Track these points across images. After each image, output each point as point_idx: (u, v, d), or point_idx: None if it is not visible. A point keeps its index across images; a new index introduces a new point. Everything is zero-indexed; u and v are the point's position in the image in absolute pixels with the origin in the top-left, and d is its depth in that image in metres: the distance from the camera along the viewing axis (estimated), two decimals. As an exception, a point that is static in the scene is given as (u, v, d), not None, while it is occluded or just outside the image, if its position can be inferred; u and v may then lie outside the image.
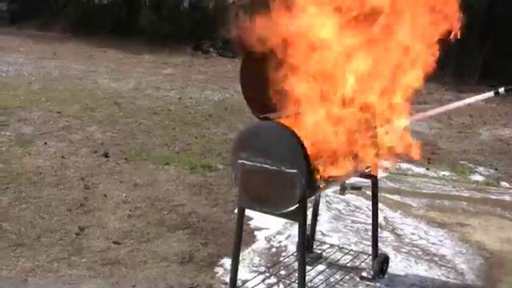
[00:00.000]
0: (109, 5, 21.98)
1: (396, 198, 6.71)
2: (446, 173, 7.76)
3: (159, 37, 19.92)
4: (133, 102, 11.39)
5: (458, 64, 15.68)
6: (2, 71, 14.02)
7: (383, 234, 5.62)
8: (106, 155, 7.74)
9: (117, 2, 21.96)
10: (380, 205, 5.45)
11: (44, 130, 8.87)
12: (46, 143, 8.18)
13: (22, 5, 24.08)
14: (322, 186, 3.91)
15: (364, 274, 4.82)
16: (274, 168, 3.72)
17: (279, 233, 5.65)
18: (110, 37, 20.39)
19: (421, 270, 5.05)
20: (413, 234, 5.77)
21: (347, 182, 4.57)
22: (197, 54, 18.63)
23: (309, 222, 4.81)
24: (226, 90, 12.71)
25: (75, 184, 6.69)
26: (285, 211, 3.84)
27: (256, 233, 5.66)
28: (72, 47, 18.72)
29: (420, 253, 5.36)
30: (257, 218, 5.80)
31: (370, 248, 4.92)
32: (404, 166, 7.97)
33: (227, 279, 4.47)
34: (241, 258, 4.57)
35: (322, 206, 5.73)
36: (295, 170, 3.65)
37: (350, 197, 6.51)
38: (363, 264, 4.98)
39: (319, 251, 5.18)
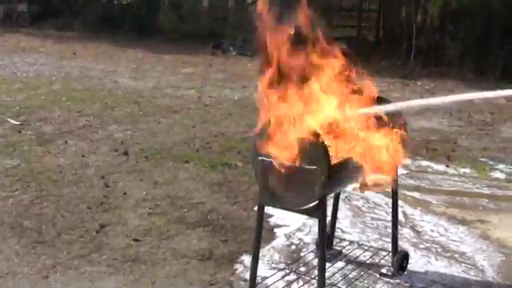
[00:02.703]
0: (128, 5, 22.01)
1: (416, 195, 6.68)
2: (467, 170, 7.71)
3: (179, 36, 19.97)
4: (152, 100, 11.43)
5: (479, 61, 15.61)
6: (23, 71, 14.14)
7: (403, 231, 5.60)
8: (126, 154, 7.77)
9: (136, 1, 21.99)
10: (400, 202, 5.43)
11: (64, 129, 8.93)
12: (66, 142, 8.23)
13: (42, 6, 24.23)
14: None
15: (384, 270, 4.81)
16: (294, 164, 3.72)
17: (299, 230, 5.65)
18: (129, 36, 20.47)
19: (441, 266, 5.02)
20: (432, 230, 5.75)
21: (367, 179, 4.57)
22: (216, 53, 18.62)
23: (328, 218, 4.81)
24: (246, 89, 12.71)
25: (95, 182, 6.73)
26: (305, 208, 3.84)
27: (276, 230, 5.65)
28: (92, 47, 18.80)
29: (440, 249, 5.34)
30: (276, 216, 5.81)
31: (390, 245, 4.91)
32: (424, 163, 7.94)
33: (247, 276, 4.48)
34: (260, 254, 4.56)
35: (341, 203, 5.71)
36: (315, 167, 3.65)
37: (369, 194, 6.49)
38: (383, 261, 4.97)
39: (339, 248, 5.18)
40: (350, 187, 6.34)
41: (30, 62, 15.58)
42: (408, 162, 7.83)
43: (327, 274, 4.32)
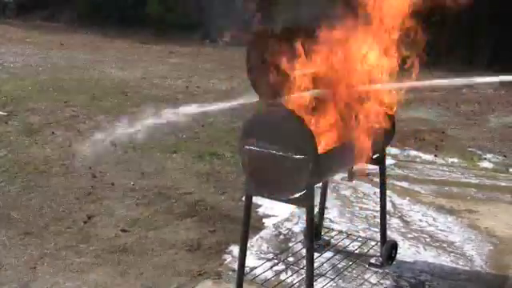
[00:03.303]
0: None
1: (404, 184, 6.69)
2: (455, 160, 7.72)
3: (166, 26, 19.87)
4: (140, 91, 11.39)
5: (467, 50, 15.60)
6: (10, 62, 14.05)
7: (391, 221, 5.60)
8: (114, 144, 7.72)
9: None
10: (388, 191, 5.43)
11: (51, 120, 8.89)
12: (53, 133, 8.20)
13: (29, -4, 24.08)
14: None
15: (372, 260, 4.80)
16: (281, 153, 3.70)
17: (287, 220, 5.65)
18: (116, 27, 20.35)
19: (429, 256, 5.03)
20: (421, 220, 5.75)
21: (355, 168, 4.57)
22: (204, 43, 18.58)
23: (317, 208, 4.80)
24: (234, 79, 12.68)
25: (83, 173, 6.70)
26: (292, 197, 3.83)
27: (264, 220, 5.65)
28: (79, 38, 18.71)
29: (428, 239, 5.34)
30: (265, 206, 5.80)
31: (378, 235, 4.91)
32: (412, 153, 7.94)
33: (235, 266, 4.45)
34: (249, 245, 4.55)
35: (329, 193, 5.70)
36: (302, 156, 3.63)
37: (357, 183, 6.49)
38: (371, 251, 4.97)
39: (327, 238, 5.17)
40: (338, 176, 6.36)
41: (16, 52, 15.48)
42: (396, 151, 7.84)
43: (316, 264, 4.32)
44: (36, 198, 5.96)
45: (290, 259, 4.84)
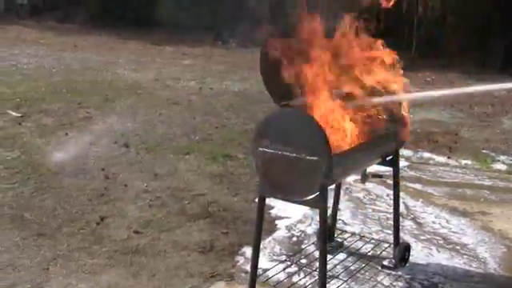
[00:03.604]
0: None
1: (417, 186, 6.67)
2: (468, 162, 7.69)
3: (179, 27, 19.89)
4: (153, 92, 11.40)
5: (480, 52, 15.55)
6: (24, 63, 14.10)
7: (404, 223, 5.59)
8: (127, 145, 7.75)
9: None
10: (401, 193, 5.40)
11: (65, 121, 8.91)
12: (66, 134, 8.21)
13: (42, -2, 24.18)
14: None
15: (385, 262, 4.79)
16: (294, 155, 3.70)
17: (300, 222, 5.64)
18: (129, 28, 20.38)
19: (442, 258, 5.01)
20: (434, 222, 5.73)
21: (368, 170, 4.56)
22: (217, 44, 18.59)
23: (330, 210, 4.79)
24: (247, 80, 12.68)
25: (96, 174, 6.71)
26: (305, 199, 3.82)
27: (277, 221, 5.64)
28: (92, 39, 18.75)
29: (441, 241, 5.32)
30: (278, 207, 5.79)
31: (391, 237, 4.89)
32: (425, 155, 7.92)
33: (248, 268, 4.45)
34: (262, 246, 4.55)
35: (342, 195, 5.69)
36: (316, 158, 3.63)
37: (370, 185, 6.47)
38: (384, 253, 4.95)
39: (340, 240, 5.16)
40: (351, 178, 6.35)
41: (30, 53, 15.54)
42: (410, 153, 7.82)
43: (328, 266, 4.31)
44: (49, 199, 5.97)
45: (303, 261, 4.83)
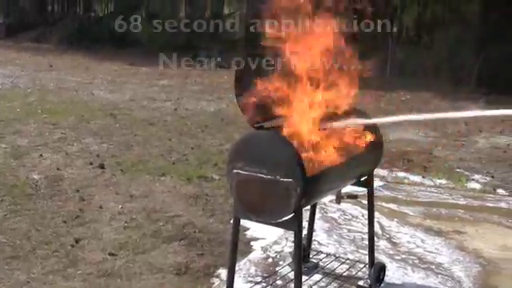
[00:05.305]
0: (105, 16, 21.95)
1: (392, 206, 6.70)
2: (443, 181, 7.74)
3: (155, 48, 19.91)
4: (129, 113, 11.40)
5: (454, 71, 15.68)
6: (-2, 84, 14.05)
7: (380, 243, 5.60)
8: (102, 167, 7.72)
9: (113, 14, 21.93)
10: (376, 213, 5.43)
11: (39, 142, 8.88)
12: (41, 155, 8.17)
13: (18, 18, 24.12)
14: None
15: (361, 283, 4.80)
16: (269, 177, 3.70)
17: (276, 243, 5.64)
18: (105, 48, 20.40)
19: (418, 278, 5.03)
20: (409, 242, 5.75)
21: (343, 191, 4.57)
22: (193, 64, 18.61)
23: (305, 231, 4.80)
24: (222, 101, 12.72)
25: (71, 196, 6.67)
26: (280, 221, 3.83)
27: (252, 243, 5.63)
28: (68, 59, 18.75)
29: (417, 261, 5.34)
30: (253, 228, 5.78)
31: (367, 257, 4.91)
32: (400, 174, 7.96)
33: (223, 290, 4.45)
34: (237, 268, 4.55)
35: (317, 216, 5.70)
36: (290, 179, 3.64)
37: (345, 206, 6.49)
38: (360, 273, 4.96)
39: (315, 261, 5.17)
40: (326, 199, 6.36)
41: (5, 74, 15.51)
42: (385, 173, 7.86)
43: (304, 287, 4.31)
44: (23, 222, 5.92)
45: (279, 282, 4.82)
